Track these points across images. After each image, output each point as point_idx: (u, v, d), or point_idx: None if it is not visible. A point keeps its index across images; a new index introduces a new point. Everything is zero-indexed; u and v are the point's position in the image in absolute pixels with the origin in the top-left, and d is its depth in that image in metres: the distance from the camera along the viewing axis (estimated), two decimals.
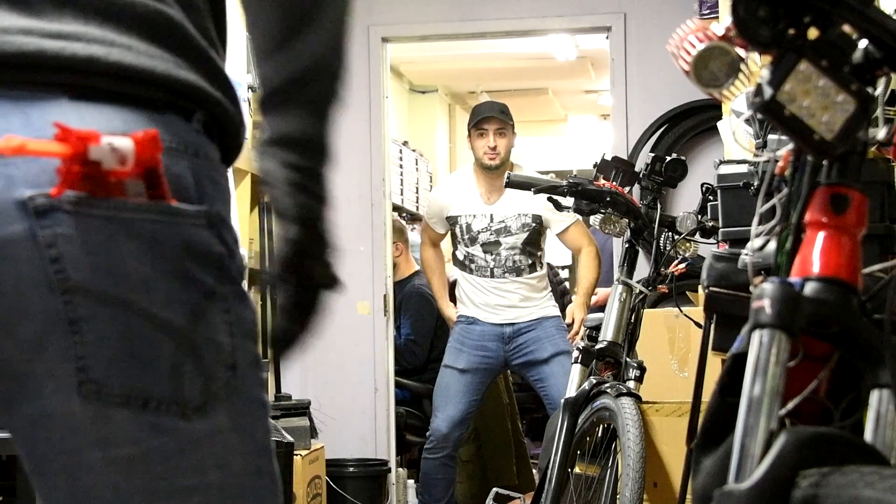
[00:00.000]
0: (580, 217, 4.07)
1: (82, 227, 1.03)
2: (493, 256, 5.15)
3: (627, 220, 3.38)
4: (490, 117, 5.22)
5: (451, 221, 5.24)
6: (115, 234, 1.03)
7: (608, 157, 3.50)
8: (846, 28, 1.21)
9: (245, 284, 1.16)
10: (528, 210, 5.09)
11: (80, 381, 1.03)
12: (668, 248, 3.35)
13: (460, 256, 5.25)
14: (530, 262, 5.20)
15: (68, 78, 1.06)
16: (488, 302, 5.15)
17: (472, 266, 5.18)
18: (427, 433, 5.25)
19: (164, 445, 1.05)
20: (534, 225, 5.16)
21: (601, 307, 4.54)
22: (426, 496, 5.21)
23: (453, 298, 5.47)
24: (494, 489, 4.32)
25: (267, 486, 1.13)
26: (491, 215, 5.17)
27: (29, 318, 1.03)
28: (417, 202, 8.72)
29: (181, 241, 1.07)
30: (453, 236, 5.29)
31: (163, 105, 1.10)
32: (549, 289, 5.34)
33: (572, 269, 11.02)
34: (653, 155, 3.49)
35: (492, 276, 5.15)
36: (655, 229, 3.36)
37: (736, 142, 3.48)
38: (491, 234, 5.16)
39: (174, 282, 1.06)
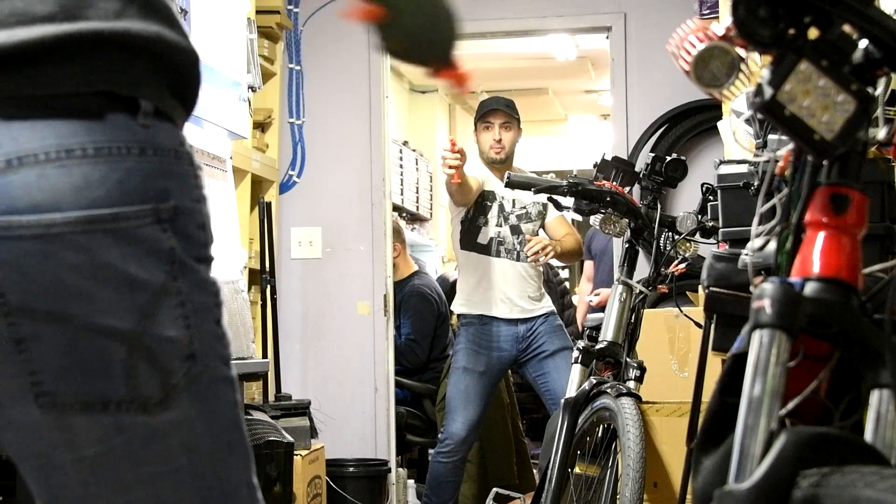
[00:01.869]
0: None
1: (16, 251, 1.03)
2: (520, 240, 5.16)
3: (627, 220, 3.38)
4: (496, 110, 5.23)
5: (489, 197, 5.17)
6: (49, 251, 1.03)
7: (608, 157, 3.50)
8: (846, 28, 1.21)
9: (212, 266, 1.14)
10: (540, 199, 5.10)
11: (35, 394, 1.05)
12: (668, 248, 3.35)
13: (484, 240, 5.15)
14: None
15: None
16: (511, 290, 5.12)
17: (502, 248, 5.15)
18: (441, 437, 5.17)
19: (128, 441, 1.07)
20: (545, 213, 5.23)
21: (601, 307, 4.53)
22: (434, 498, 5.17)
23: (451, 300, 5.45)
24: (494, 489, 4.32)
25: (239, 458, 1.14)
26: (513, 200, 5.19)
27: None
28: (417, 202, 8.72)
29: (122, 246, 1.06)
30: (477, 216, 5.16)
31: (100, 107, 1.07)
32: None
33: (571, 269, 11.02)
34: (653, 155, 3.49)
35: (518, 259, 5.15)
36: (655, 229, 3.36)
37: (736, 142, 3.48)
38: (516, 218, 5.19)
39: (117, 288, 1.05)
